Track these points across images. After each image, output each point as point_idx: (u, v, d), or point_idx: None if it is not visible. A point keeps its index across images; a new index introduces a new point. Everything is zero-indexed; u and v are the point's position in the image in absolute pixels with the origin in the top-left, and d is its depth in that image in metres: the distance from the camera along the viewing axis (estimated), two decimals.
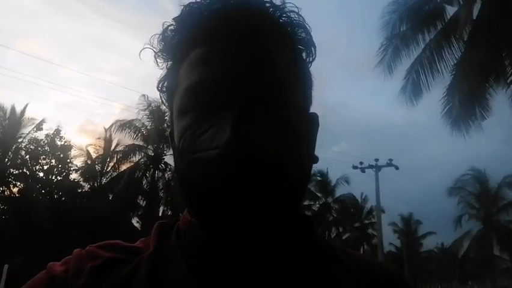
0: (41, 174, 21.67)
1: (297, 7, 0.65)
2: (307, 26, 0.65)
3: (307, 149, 0.62)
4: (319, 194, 31.08)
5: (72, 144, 22.62)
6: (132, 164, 22.26)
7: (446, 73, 11.85)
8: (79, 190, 22.39)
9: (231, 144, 0.50)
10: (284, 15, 0.64)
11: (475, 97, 11.14)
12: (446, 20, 11.86)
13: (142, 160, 22.27)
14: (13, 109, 20.58)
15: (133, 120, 22.18)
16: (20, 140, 20.59)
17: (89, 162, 22.83)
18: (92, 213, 18.96)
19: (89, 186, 22.67)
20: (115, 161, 22.95)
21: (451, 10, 11.88)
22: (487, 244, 28.95)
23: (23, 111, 20.70)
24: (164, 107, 0.69)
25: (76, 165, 22.67)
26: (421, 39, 12.30)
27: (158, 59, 0.65)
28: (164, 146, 21.61)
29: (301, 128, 0.59)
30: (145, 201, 22.18)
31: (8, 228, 17.86)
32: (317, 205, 30.97)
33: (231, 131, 0.51)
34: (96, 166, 22.98)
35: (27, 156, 21.01)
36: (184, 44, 0.62)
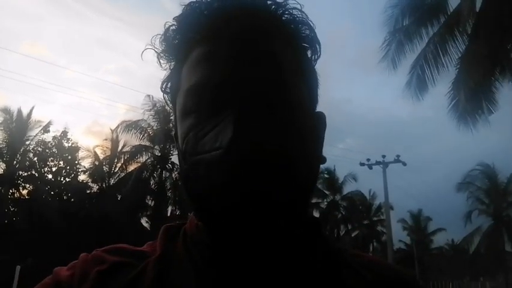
0: (50, 176, 21.89)
1: (299, 4, 0.64)
2: (310, 23, 0.64)
3: (313, 149, 0.60)
4: (327, 192, 31.00)
5: (79, 146, 22.86)
6: (139, 164, 22.39)
7: (451, 67, 11.74)
8: (88, 191, 22.56)
9: (234, 145, 0.50)
10: (287, 12, 0.63)
11: (481, 91, 11.01)
12: (449, 13, 11.74)
13: (149, 160, 22.39)
14: (20, 112, 20.84)
15: (138, 120, 22.33)
16: (27, 143, 20.82)
17: (96, 163, 23.01)
18: (101, 214, 19.11)
19: (97, 187, 22.84)
20: (122, 161, 23.14)
21: (453, 3, 11.76)
22: (498, 240, 28.66)
23: (29, 114, 20.95)
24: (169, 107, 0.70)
25: (84, 167, 22.91)
26: (424, 33, 12.20)
27: (161, 60, 0.65)
28: (171, 146, 21.69)
29: (307, 128, 0.58)
30: (153, 201, 22.30)
31: (18, 230, 18.03)
32: (325, 203, 30.91)
33: (233, 132, 0.50)
34: (104, 167, 23.14)
35: (36, 159, 21.23)
36: (186, 44, 0.61)
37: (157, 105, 21.49)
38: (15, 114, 20.69)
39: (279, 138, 0.53)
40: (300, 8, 0.64)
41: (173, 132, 0.66)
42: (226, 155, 0.50)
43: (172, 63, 0.65)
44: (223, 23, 0.58)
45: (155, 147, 22.32)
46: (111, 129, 23.45)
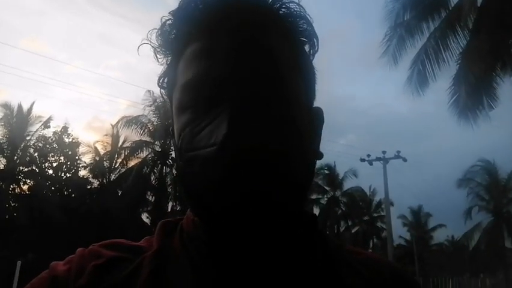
0: (51, 171, 21.95)
1: None
2: (308, 16, 0.63)
3: (310, 145, 0.60)
4: (327, 188, 31.03)
5: (80, 141, 22.91)
6: (140, 160, 22.42)
7: (452, 62, 11.73)
8: (88, 187, 22.63)
9: (228, 142, 0.49)
10: (284, 6, 0.62)
11: (482, 86, 11.00)
12: (450, 8, 11.72)
13: (149, 156, 22.42)
14: (20, 107, 20.85)
15: (139, 116, 22.34)
16: (28, 138, 20.84)
17: (97, 158, 23.04)
18: (101, 209, 19.17)
19: (98, 182, 22.90)
20: (122, 157, 23.16)
21: None
22: (498, 236, 28.73)
23: (30, 109, 20.96)
24: None
25: (85, 162, 22.95)
26: (426, 28, 12.17)
27: (158, 55, 0.65)
28: (171, 141, 21.58)
29: (304, 124, 0.57)
30: (153, 197, 22.34)
31: (19, 225, 18.08)
32: (325, 199, 30.96)
33: (227, 128, 0.50)
34: (104, 162, 23.17)
35: (36, 154, 21.27)
36: (181, 38, 0.61)
37: (158, 100, 21.48)
38: (15, 109, 20.73)
39: (275, 134, 0.52)
40: (297, 1, 0.63)
41: (171, 128, 0.66)
42: (221, 151, 0.50)
43: (169, 58, 0.64)
44: (219, 17, 0.58)
45: (156, 142, 22.34)
46: (112, 125, 23.48)
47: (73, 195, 21.76)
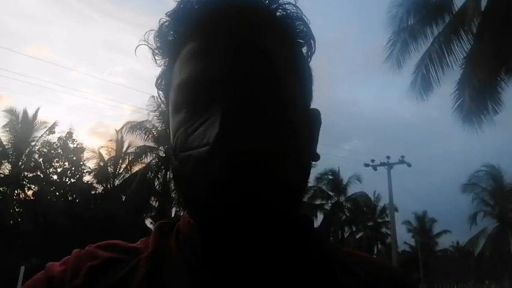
0: (55, 176, 22.06)
1: None
2: (305, 18, 0.63)
3: (306, 146, 0.59)
4: (331, 193, 30.94)
5: (84, 147, 23.04)
6: (144, 165, 22.45)
7: (456, 67, 11.68)
8: (93, 192, 22.68)
9: (220, 142, 0.49)
10: (280, 8, 0.62)
11: (486, 91, 10.96)
12: (454, 12, 11.70)
13: (153, 161, 22.44)
14: (25, 113, 20.98)
15: (143, 121, 22.38)
16: (33, 144, 20.94)
17: (101, 164, 23.11)
18: (106, 214, 19.18)
19: (102, 188, 22.94)
20: (127, 162, 23.22)
21: (458, 2, 11.73)
22: (504, 242, 28.48)
23: (35, 115, 21.08)
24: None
25: (89, 168, 23.03)
26: (429, 32, 12.15)
27: (156, 56, 0.65)
28: None
29: (300, 125, 0.57)
30: (157, 202, 22.33)
31: (23, 231, 18.11)
32: (329, 204, 30.83)
33: (219, 127, 0.49)
34: (109, 168, 23.23)
35: (41, 160, 21.36)
36: (177, 39, 0.61)
37: (162, 106, 21.22)
38: (20, 115, 20.85)
39: (270, 135, 0.52)
40: (294, 3, 0.63)
41: (168, 129, 0.65)
42: (213, 151, 0.50)
43: (167, 59, 0.64)
44: (216, 18, 0.58)
45: (160, 148, 22.36)
46: (116, 130, 23.62)
47: (77, 200, 21.82)
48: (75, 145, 22.55)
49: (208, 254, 0.57)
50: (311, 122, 0.64)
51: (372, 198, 34.60)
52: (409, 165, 22.58)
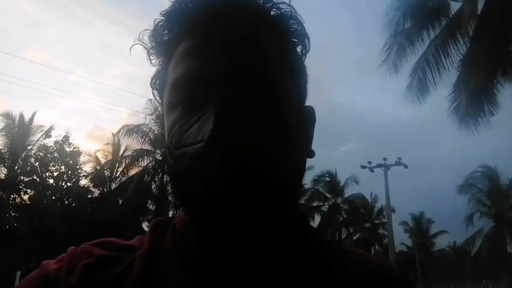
0: (51, 181, 21.97)
1: None
2: (299, 17, 0.64)
3: (300, 143, 0.59)
4: (328, 195, 30.98)
5: (81, 151, 23.01)
6: (141, 168, 22.39)
7: (453, 69, 11.73)
8: (89, 196, 22.63)
9: (214, 138, 0.49)
10: (275, 7, 0.62)
11: (483, 93, 11.01)
12: (451, 16, 11.76)
13: (150, 164, 22.39)
14: (21, 117, 20.88)
15: (140, 124, 22.33)
16: (29, 148, 20.86)
17: (98, 167, 23.05)
18: (102, 218, 19.12)
19: (99, 191, 22.89)
20: (123, 166, 23.17)
21: (455, 5, 11.78)
22: (500, 241, 28.59)
23: (31, 119, 21.00)
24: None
25: (86, 171, 22.98)
26: (426, 35, 12.20)
27: (151, 56, 0.65)
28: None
29: (294, 122, 0.57)
30: (154, 206, 22.28)
31: (20, 235, 18.02)
32: (326, 206, 30.88)
33: (213, 124, 0.49)
34: (105, 171, 23.17)
35: (37, 164, 21.28)
36: (172, 38, 0.61)
37: (159, 109, 21.21)
38: (17, 119, 20.76)
39: (264, 132, 0.52)
40: (288, 2, 0.63)
41: (163, 130, 0.66)
42: (207, 148, 0.50)
43: (161, 59, 0.65)
44: (210, 16, 0.58)
45: (157, 151, 22.31)
46: (112, 134, 23.53)
47: (74, 204, 21.76)
48: (71, 149, 22.52)
49: (204, 251, 0.57)
50: (306, 119, 0.65)
51: (369, 200, 34.69)
52: (406, 166, 22.66)
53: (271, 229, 0.54)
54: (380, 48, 12.73)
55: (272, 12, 0.62)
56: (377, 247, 35.86)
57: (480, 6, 10.53)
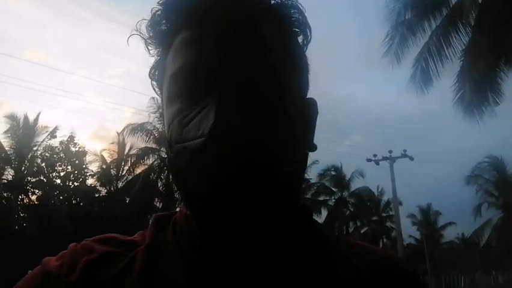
0: (58, 181, 22.12)
1: None
2: (300, 6, 0.62)
3: (303, 136, 0.59)
4: (334, 189, 30.91)
5: (86, 150, 23.07)
6: (146, 166, 22.47)
7: (455, 59, 11.65)
8: (96, 195, 22.75)
9: (215, 133, 0.48)
10: None
11: (486, 82, 10.93)
12: (451, 5, 11.66)
13: (155, 162, 22.46)
14: (26, 118, 20.99)
15: (144, 123, 22.38)
16: (35, 148, 20.97)
17: (104, 167, 23.17)
18: (110, 217, 19.22)
19: (105, 190, 23.01)
20: (129, 164, 23.27)
21: None
22: (509, 232, 28.38)
23: (36, 120, 21.10)
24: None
25: (92, 171, 23.09)
26: (427, 26, 12.11)
27: (149, 46, 0.64)
28: None
29: (296, 114, 0.56)
30: (161, 203, 22.36)
31: (29, 235, 18.17)
32: (333, 200, 30.82)
33: (214, 118, 0.49)
34: (111, 170, 23.28)
35: (43, 164, 21.41)
36: (170, 28, 0.60)
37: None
38: (21, 120, 20.87)
39: (266, 124, 0.51)
40: None
41: (162, 121, 0.65)
42: (208, 143, 0.49)
43: (160, 49, 0.64)
44: (209, 5, 0.57)
45: (162, 149, 22.35)
46: (117, 133, 23.62)
47: (81, 203, 21.90)
48: (77, 149, 22.64)
49: (207, 247, 0.56)
50: (308, 111, 0.63)
51: (376, 193, 34.56)
52: (411, 158, 22.56)
53: (274, 225, 0.54)
54: (381, 40, 12.67)
55: (272, 1, 0.61)
56: (385, 240, 35.77)
57: None
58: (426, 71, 12.16)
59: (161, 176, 22.42)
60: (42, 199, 20.06)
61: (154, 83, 0.66)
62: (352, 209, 31.82)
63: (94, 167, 23.23)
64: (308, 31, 0.64)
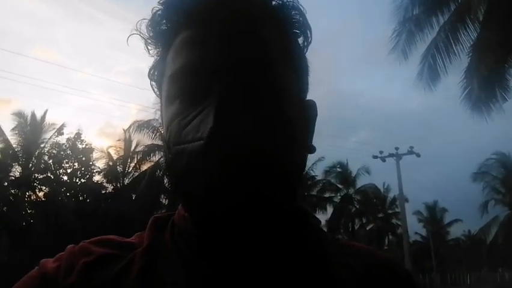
0: (65, 177, 22.19)
1: None
2: (301, 7, 0.62)
3: (301, 138, 0.58)
4: (340, 186, 30.89)
5: (93, 147, 23.13)
6: (152, 163, 22.54)
7: (463, 55, 11.59)
8: (103, 191, 22.83)
9: (214, 136, 0.48)
10: None
11: (495, 78, 10.86)
12: (460, 0, 11.58)
13: (162, 159, 22.52)
14: (33, 115, 21.04)
15: (150, 120, 22.37)
16: (42, 145, 21.04)
17: (110, 163, 23.25)
18: (116, 213, 19.32)
19: (112, 187, 23.09)
20: (135, 161, 23.33)
21: None
22: None
23: (43, 117, 21.14)
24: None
25: (99, 167, 23.16)
26: (435, 21, 12.04)
27: (149, 46, 0.63)
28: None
29: (295, 116, 0.56)
30: (167, 200, 22.45)
31: (36, 232, 18.31)
32: (338, 197, 30.82)
33: (213, 121, 0.48)
34: (118, 167, 23.37)
35: (51, 161, 21.50)
36: (170, 28, 0.60)
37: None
38: (29, 117, 20.94)
39: (265, 127, 0.51)
40: None
41: (160, 122, 0.64)
42: (207, 146, 0.49)
43: (159, 49, 0.63)
44: (210, 6, 0.57)
45: None
46: (124, 130, 23.67)
47: (88, 200, 22.00)
48: (84, 146, 22.70)
49: (203, 246, 0.56)
50: (307, 113, 0.63)
51: (382, 190, 34.55)
52: (418, 155, 22.51)
53: (271, 226, 0.54)
54: (388, 36, 12.61)
55: (274, 2, 0.61)
56: (390, 237, 35.75)
57: None
58: (433, 67, 12.10)
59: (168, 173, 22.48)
60: (50, 196, 20.17)
61: (153, 83, 0.66)
62: (358, 206, 31.81)
63: (100, 164, 23.35)
64: (309, 33, 0.64)
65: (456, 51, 11.69)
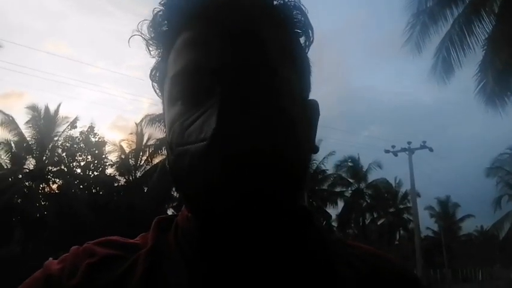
0: (79, 170, 22.45)
1: None
2: (303, 7, 0.62)
3: (304, 138, 0.58)
4: (351, 180, 30.79)
5: (106, 140, 23.36)
6: (164, 156, 22.61)
7: (478, 48, 11.45)
8: (116, 184, 23.04)
9: (218, 136, 0.48)
10: None
11: (510, 72, 10.71)
12: None
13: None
14: (47, 109, 21.28)
15: (162, 114, 22.50)
16: (55, 139, 21.29)
17: (123, 157, 23.44)
18: (128, 206, 19.51)
19: (124, 180, 23.28)
20: (147, 154, 23.47)
21: None
22: None
23: (56, 111, 21.36)
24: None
25: (111, 160, 23.38)
26: (449, 14, 11.89)
27: (150, 47, 0.63)
28: None
29: (298, 116, 0.55)
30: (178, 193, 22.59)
31: (50, 223, 18.56)
32: (350, 191, 30.72)
33: (216, 122, 0.48)
34: (130, 160, 23.54)
35: (64, 154, 21.76)
36: (172, 29, 0.60)
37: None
38: (43, 111, 21.18)
39: (267, 128, 0.50)
40: None
41: (163, 122, 0.64)
42: (210, 147, 0.48)
43: (161, 50, 0.63)
44: (211, 6, 0.57)
45: None
46: (136, 123, 23.84)
47: (101, 192, 22.23)
48: (97, 139, 22.95)
49: (205, 248, 0.56)
50: (309, 113, 0.63)
51: (394, 184, 34.35)
52: (431, 150, 22.33)
53: (273, 227, 0.54)
54: (401, 29, 12.49)
55: (275, 2, 0.61)
56: (402, 232, 35.60)
57: None
58: (448, 60, 11.97)
59: None
60: (63, 188, 20.41)
61: (155, 84, 0.65)
62: (369, 201, 31.69)
63: (113, 157, 23.56)
64: (310, 32, 0.64)
65: (470, 44, 11.56)
